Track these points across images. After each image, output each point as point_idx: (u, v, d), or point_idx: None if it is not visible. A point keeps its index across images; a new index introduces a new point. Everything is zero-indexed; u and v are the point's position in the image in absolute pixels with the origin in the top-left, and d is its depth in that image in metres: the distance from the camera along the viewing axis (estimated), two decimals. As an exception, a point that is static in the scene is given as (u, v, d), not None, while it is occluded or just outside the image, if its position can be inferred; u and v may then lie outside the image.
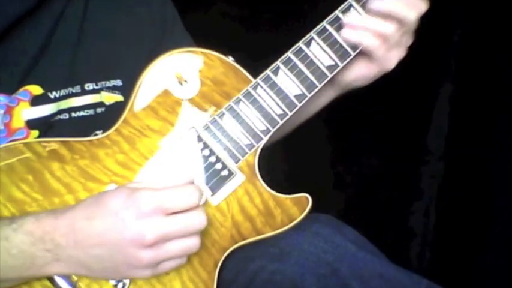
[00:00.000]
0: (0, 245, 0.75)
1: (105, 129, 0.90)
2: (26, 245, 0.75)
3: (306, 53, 0.91)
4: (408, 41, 0.95)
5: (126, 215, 0.74)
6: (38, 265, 0.77)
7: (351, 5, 0.92)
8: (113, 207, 0.75)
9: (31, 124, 0.91)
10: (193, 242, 0.78)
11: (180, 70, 0.90)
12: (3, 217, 0.81)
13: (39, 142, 0.86)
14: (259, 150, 0.90)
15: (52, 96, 0.93)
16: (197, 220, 0.77)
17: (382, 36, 0.91)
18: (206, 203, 0.88)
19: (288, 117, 0.90)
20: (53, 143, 0.86)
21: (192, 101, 0.90)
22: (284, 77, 0.90)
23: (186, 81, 0.91)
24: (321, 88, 0.92)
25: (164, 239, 0.75)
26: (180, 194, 0.77)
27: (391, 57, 0.95)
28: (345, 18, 0.91)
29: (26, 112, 0.91)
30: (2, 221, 0.78)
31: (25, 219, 0.77)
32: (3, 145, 0.85)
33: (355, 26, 0.91)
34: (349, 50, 0.92)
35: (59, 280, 0.82)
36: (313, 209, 0.90)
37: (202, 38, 1.10)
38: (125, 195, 0.76)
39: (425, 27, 0.95)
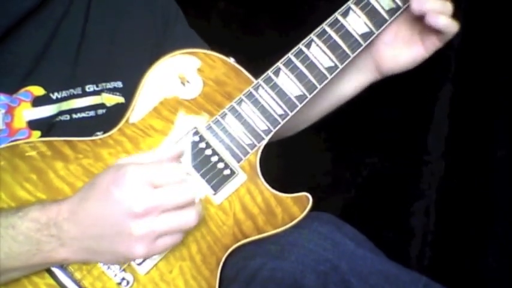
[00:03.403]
0: (6, 232, 0.77)
1: (106, 131, 0.91)
2: (32, 231, 0.77)
3: (306, 55, 0.92)
4: None
5: (115, 190, 0.75)
6: (44, 251, 0.78)
7: (350, 8, 0.93)
8: (103, 185, 0.77)
9: (33, 125, 0.92)
10: (188, 215, 0.78)
11: (183, 71, 0.91)
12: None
13: (43, 141, 0.87)
14: (260, 149, 0.91)
15: (54, 97, 0.94)
16: (186, 191, 0.78)
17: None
18: (209, 201, 0.89)
19: (289, 117, 0.91)
20: (57, 142, 0.87)
21: (194, 101, 0.91)
22: (285, 78, 0.91)
23: (188, 81, 0.92)
24: (352, 75, 0.97)
25: (155, 210, 0.75)
26: (165, 168, 0.79)
27: None
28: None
29: (27, 113, 0.92)
30: (7, 210, 0.80)
31: (31, 207, 0.79)
32: (6, 144, 0.86)
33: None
34: (348, 51, 0.93)
35: (63, 278, 0.83)
36: (314, 209, 0.91)
37: (202, 39, 1.11)
38: (112, 172, 0.78)
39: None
